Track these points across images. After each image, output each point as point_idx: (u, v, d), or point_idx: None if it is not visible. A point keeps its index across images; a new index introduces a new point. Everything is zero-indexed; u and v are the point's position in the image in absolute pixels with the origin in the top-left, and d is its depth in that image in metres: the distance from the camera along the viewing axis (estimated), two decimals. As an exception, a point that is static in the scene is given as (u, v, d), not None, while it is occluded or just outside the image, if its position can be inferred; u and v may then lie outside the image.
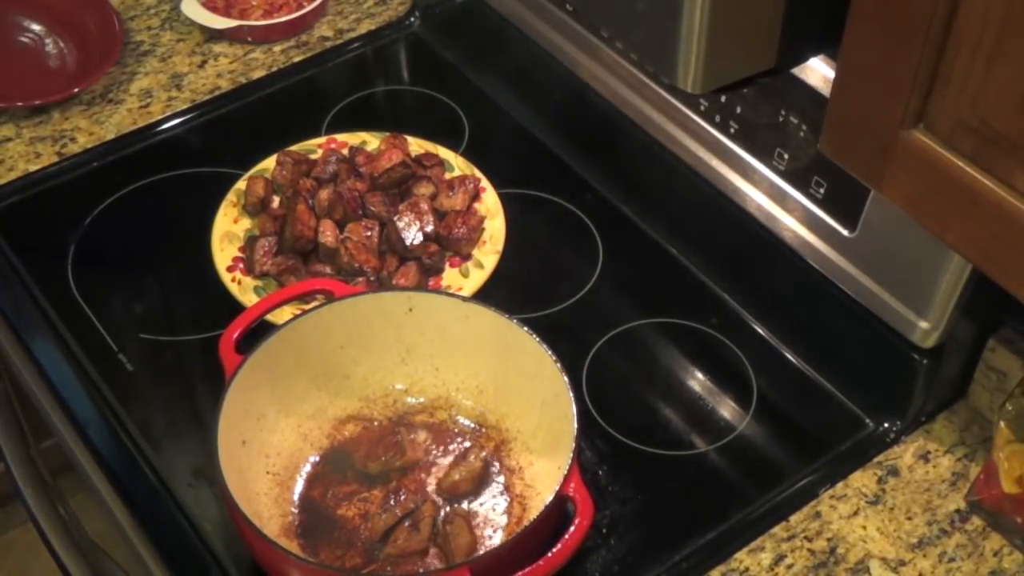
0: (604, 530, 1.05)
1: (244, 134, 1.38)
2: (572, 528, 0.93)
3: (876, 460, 1.10)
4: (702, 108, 1.17)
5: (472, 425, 1.10)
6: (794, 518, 1.06)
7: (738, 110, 1.13)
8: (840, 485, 1.09)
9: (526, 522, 0.99)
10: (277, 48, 1.48)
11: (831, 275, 1.11)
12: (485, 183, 1.29)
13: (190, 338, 1.18)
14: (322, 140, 1.33)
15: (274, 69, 1.45)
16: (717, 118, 1.16)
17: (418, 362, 1.11)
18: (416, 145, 1.33)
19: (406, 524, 1.02)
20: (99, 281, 1.23)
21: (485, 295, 1.18)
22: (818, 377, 1.16)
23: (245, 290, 1.19)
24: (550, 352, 1.03)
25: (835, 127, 0.78)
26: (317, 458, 1.08)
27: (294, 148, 1.31)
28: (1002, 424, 1.01)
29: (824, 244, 1.10)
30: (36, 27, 1.48)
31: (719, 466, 1.11)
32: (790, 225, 1.13)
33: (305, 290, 1.12)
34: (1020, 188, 0.68)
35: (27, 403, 1.22)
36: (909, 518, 1.06)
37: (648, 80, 1.22)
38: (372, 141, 1.33)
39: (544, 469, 1.04)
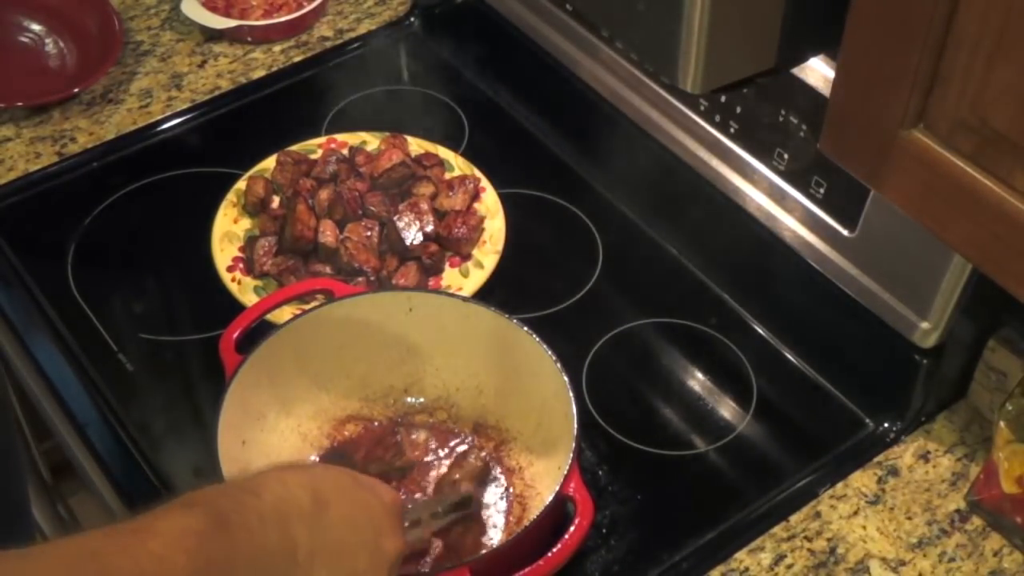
0: (604, 530, 1.05)
1: (244, 134, 1.38)
2: (572, 528, 0.93)
3: (876, 460, 1.10)
4: (702, 108, 1.17)
5: (472, 425, 1.10)
6: (794, 518, 1.06)
7: (738, 110, 1.13)
8: (840, 485, 1.08)
9: (526, 522, 0.99)
10: (277, 48, 1.48)
11: (831, 275, 1.11)
12: (485, 183, 1.29)
13: (190, 338, 1.18)
14: (322, 140, 1.33)
15: (274, 69, 1.45)
16: (717, 118, 1.16)
17: (418, 362, 1.11)
18: (416, 145, 1.33)
19: (406, 524, 1.01)
20: (99, 281, 1.23)
21: (485, 295, 1.18)
22: (818, 377, 1.16)
23: (245, 290, 1.19)
24: (550, 352, 1.03)
25: (835, 127, 0.78)
26: (317, 458, 1.07)
27: (294, 148, 1.31)
28: (1002, 424, 1.01)
29: (824, 244, 1.10)
30: (36, 27, 1.48)
31: (719, 466, 1.11)
32: (790, 225, 1.13)
33: (305, 290, 1.12)
34: (1020, 188, 0.68)
35: (27, 403, 1.22)
36: (909, 518, 1.06)
37: (648, 80, 1.22)
38: (372, 141, 1.33)
39: (544, 469, 1.04)
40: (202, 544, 0.67)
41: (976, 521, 1.06)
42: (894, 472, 1.10)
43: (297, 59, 1.47)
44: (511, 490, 1.05)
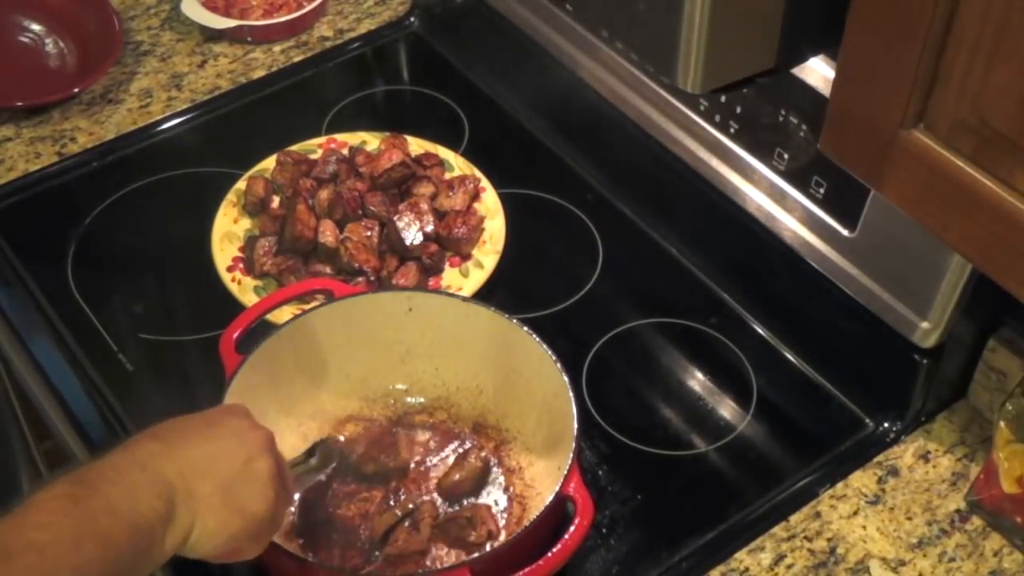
0: (604, 530, 1.05)
1: (244, 134, 1.38)
2: (572, 528, 0.93)
3: (876, 460, 1.10)
4: (702, 108, 1.17)
5: (472, 425, 1.10)
6: (794, 518, 1.06)
7: (738, 110, 1.13)
8: (840, 485, 1.09)
9: (526, 522, 0.99)
10: (277, 48, 1.48)
11: (831, 275, 1.11)
12: (485, 183, 1.29)
13: (190, 338, 1.18)
14: (322, 140, 1.33)
15: (274, 69, 1.45)
16: (717, 118, 1.16)
17: (418, 362, 1.11)
18: (416, 145, 1.33)
19: (406, 524, 1.02)
20: (99, 281, 1.23)
21: (485, 295, 1.18)
22: (818, 377, 1.16)
23: (245, 290, 1.19)
24: (550, 352, 1.03)
25: (835, 127, 0.78)
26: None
27: (294, 148, 1.31)
28: (1002, 424, 1.01)
29: (824, 244, 1.10)
30: (36, 27, 1.48)
31: (719, 466, 1.11)
32: (790, 225, 1.13)
33: (305, 290, 1.12)
34: (1020, 188, 0.68)
35: (27, 403, 1.22)
36: (909, 518, 1.06)
37: (648, 80, 1.22)
38: (372, 141, 1.33)
39: (544, 469, 1.04)
40: (74, 503, 0.74)
41: (976, 521, 1.06)
42: (894, 472, 1.10)
43: (297, 59, 1.47)
44: (511, 490, 1.05)
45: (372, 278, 1.19)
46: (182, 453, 0.82)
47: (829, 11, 0.75)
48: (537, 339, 1.04)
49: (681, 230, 1.27)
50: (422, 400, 1.12)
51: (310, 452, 1.01)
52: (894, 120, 0.72)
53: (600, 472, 1.09)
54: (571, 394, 1.00)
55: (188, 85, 1.43)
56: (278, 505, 0.87)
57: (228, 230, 1.24)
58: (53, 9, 1.48)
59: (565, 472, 0.96)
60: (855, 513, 1.07)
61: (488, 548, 1.00)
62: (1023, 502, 1.02)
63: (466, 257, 1.23)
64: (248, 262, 1.21)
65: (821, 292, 1.12)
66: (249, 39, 1.48)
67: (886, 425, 1.12)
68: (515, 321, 1.05)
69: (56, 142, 1.36)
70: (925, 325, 1.05)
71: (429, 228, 1.22)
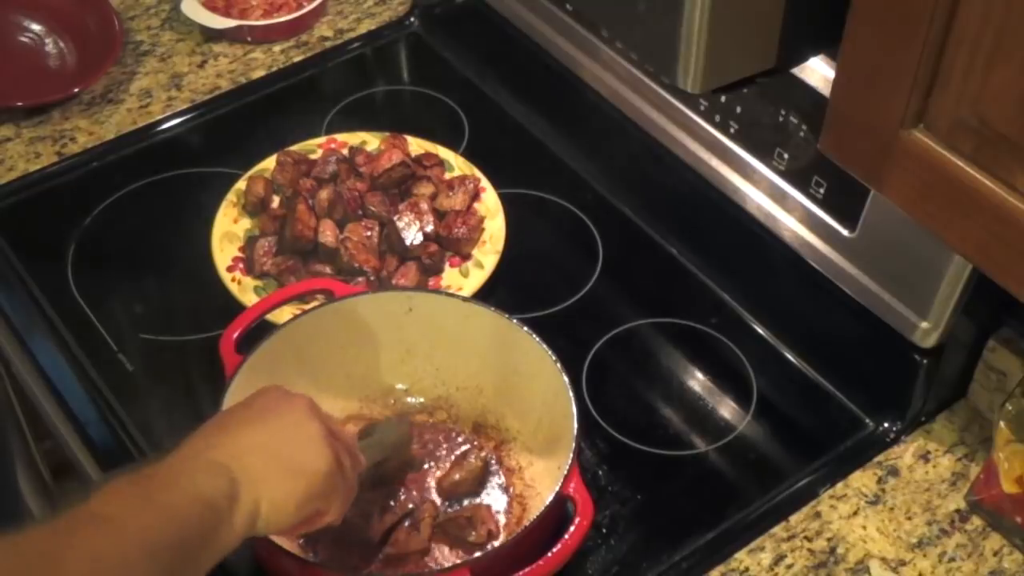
0: (604, 530, 1.05)
1: (244, 134, 1.38)
2: (572, 528, 0.93)
3: (876, 460, 1.10)
4: (702, 108, 1.17)
5: (472, 425, 1.10)
6: (794, 518, 1.06)
7: (738, 110, 1.13)
8: (840, 485, 1.08)
9: (526, 522, 0.99)
10: (277, 48, 1.48)
11: (831, 275, 1.11)
12: (485, 183, 1.29)
13: (190, 338, 1.18)
14: (322, 140, 1.33)
15: (274, 69, 1.45)
16: (717, 118, 1.16)
17: (418, 362, 1.11)
18: (416, 145, 1.33)
19: (406, 524, 1.02)
20: (99, 281, 1.23)
21: (485, 295, 1.18)
22: (818, 377, 1.16)
23: (245, 290, 1.19)
24: (550, 352, 1.03)
25: (835, 127, 0.78)
26: (317, 458, 1.07)
27: (294, 148, 1.31)
28: (1002, 424, 1.01)
29: (824, 244, 1.11)
30: (36, 27, 1.48)
31: (719, 466, 1.11)
32: (790, 225, 1.13)
33: (305, 290, 1.12)
34: (1020, 188, 0.69)
35: (27, 403, 1.22)
36: (909, 518, 1.06)
37: (648, 80, 1.22)
38: (372, 141, 1.33)
39: (544, 469, 1.04)
40: (133, 484, 0.76)
41: (976, 521, 1.06)
42: (894, 472, 1.10)
43: (297, 59, 1.47)
44: (511, 490, 1.05)
45: (372, 278, 1.19)
46: (227, 441, 0.84)
47: (829, 11, 0.75)
48: (537, 339, 1.04)
49: (681, 230, 1.27)
50: (422, 400, 1.12)
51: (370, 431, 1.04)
52: (894, 120, 0.72)
53: (600, 472, 1.09)
54: (571, 394, 1.00)
55: (188, 85, 1.43)
56: (340, 460, 0.88)
57: (228, 230, 1.24)
58: (53, 9, 1.47)
59: (565, 472, 0.96)
60: (855, 513, 1.07)
61: (488, 548, 1.00)
62: (1023, 502, 1.02)
63: (466, 257, 1.23)
64: (248, 262, 1.21)
65: (821, 292, 1.12)
66: (249, 39, 1.48)
67: (886, 425, 1.12)
68: (515, 321, 1.05)
69: (56, 142, 1.36)
70: (925, 325, 1.05)
71: (429, 228, 1.22)
